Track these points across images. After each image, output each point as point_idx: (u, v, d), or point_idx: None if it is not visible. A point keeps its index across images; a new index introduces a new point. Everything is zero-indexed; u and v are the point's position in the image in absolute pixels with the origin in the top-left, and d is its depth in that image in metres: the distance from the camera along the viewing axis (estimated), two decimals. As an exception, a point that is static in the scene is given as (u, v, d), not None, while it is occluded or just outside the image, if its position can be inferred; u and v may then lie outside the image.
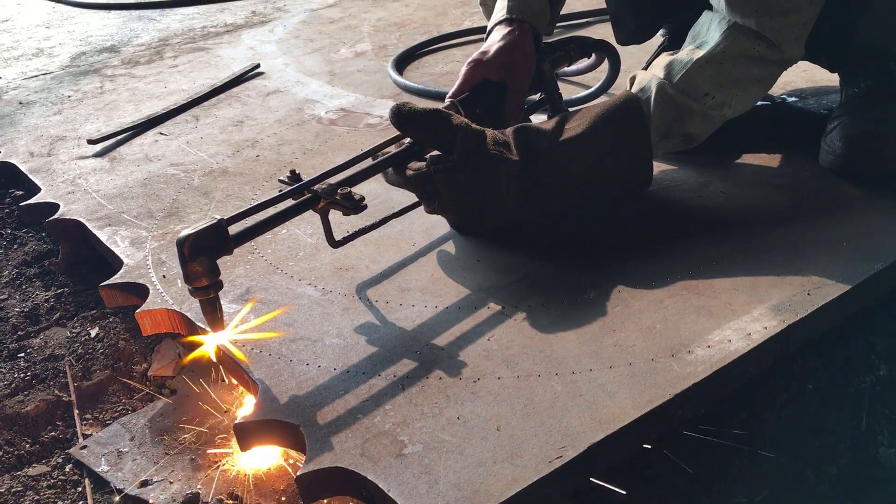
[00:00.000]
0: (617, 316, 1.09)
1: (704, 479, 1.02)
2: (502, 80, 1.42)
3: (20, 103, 2.35)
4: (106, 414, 1.29)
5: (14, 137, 2.10)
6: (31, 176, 1.84)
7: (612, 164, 1.30)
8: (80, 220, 1.57)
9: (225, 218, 1.05)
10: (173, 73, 2.49)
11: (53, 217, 1.61)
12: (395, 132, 1.28)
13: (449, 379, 1.00)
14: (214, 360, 1.10)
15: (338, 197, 1.14)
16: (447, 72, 2.23)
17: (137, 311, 1.24)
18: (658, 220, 1.33)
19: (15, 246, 1.76)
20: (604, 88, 1.72)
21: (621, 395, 0.94)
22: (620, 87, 1.64)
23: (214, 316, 1.05)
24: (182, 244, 1.01)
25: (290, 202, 1.15)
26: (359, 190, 1.17)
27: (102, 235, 1.50)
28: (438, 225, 1.35)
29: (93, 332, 1.44)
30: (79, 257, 1.64)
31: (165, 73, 2.49)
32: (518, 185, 1.26)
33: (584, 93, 1.77)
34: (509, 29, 1.45)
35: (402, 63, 2.32)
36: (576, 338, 1.05)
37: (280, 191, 1.17)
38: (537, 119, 1.48)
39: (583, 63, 1.71)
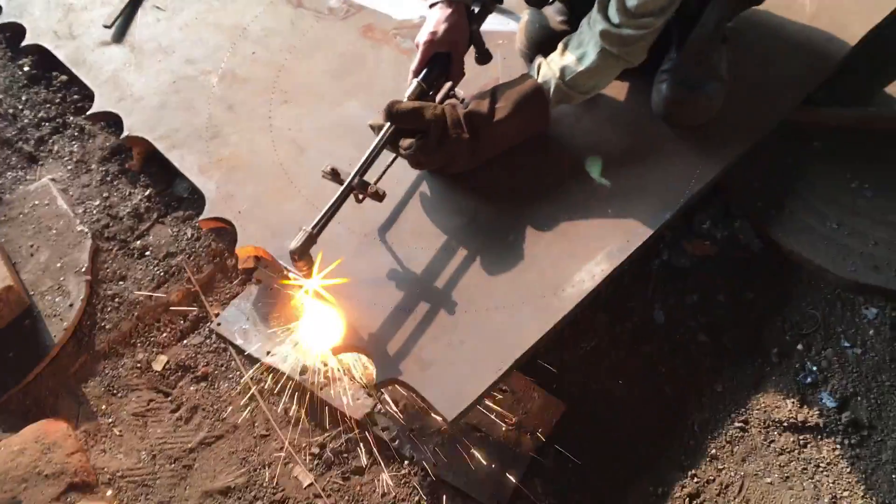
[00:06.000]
0: (526, 259, 1.94)
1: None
2: (448, 51, 2.05)
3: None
4: (222, 295, 2.14)
5: (25, 2, 2.51)
6: (74, 70, 2.37)
7: (525, 128, 2.03)
8: (149, 139, 2.21)
9: (313, 229, 1.79)
10: None
11: (125, 135, 2.22)
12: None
13: (441, 312, 1.87)
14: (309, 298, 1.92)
15: (369, 191, 1.87)
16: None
17: (237, 248, 2.02)
18: (547, 162, 2.08)
19: (87, 138, 2.37)
20: None
21: (529, 323, 1.85)
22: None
23: (307, 273, 1.84)
24: (293, 253, 1.77)
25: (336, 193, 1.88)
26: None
27: (174, 159, 2.16)
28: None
29: (188, 232, 2.21)
30: (148, 156, 2.30)
31: None
32: (468, 151, 1.99)
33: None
34: (450, 11, 2.01)
35: None
36: (506, 278, 1.92)
37: (329, 178, 1.85)
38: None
39: None
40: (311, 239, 1.78)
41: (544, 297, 1.89)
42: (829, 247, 2.04)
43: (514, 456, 1.88)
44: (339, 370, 2.00)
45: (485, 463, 1.87)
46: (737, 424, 1.91)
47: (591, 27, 1.92)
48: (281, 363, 2.03)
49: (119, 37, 2.42)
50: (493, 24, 2.31)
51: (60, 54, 2.40)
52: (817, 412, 1.90)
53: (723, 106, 2.08)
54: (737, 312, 2.06)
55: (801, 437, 1.88)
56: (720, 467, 1.87)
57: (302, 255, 1.77)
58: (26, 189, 2.26)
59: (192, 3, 2.49)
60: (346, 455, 1.91)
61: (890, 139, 2.17)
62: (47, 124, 2.42)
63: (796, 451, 1.86)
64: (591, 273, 1.91)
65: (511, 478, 1.86)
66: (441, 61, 2.04)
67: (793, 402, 1.91)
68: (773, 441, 1.88)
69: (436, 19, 2.02)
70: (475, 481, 1.86)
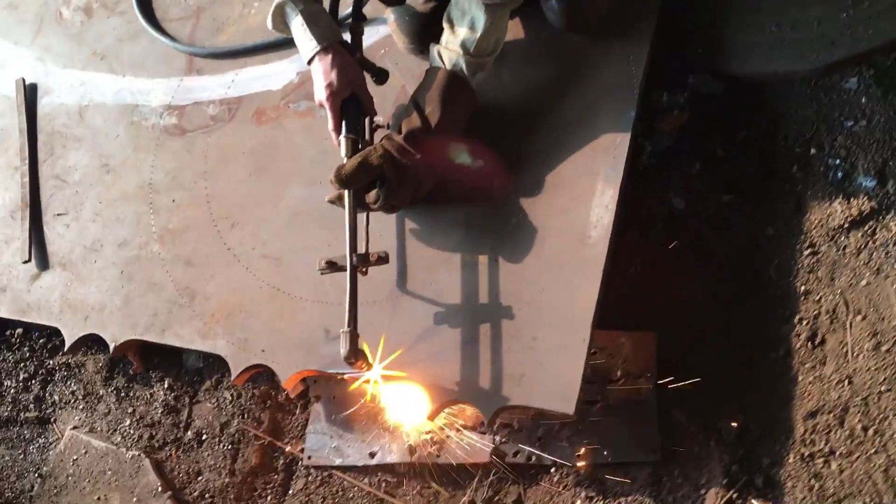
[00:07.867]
0: (539, 229, 1.90)
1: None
2: (351, 92, 1.98)
3: None
4: (294, 431, 2.08)
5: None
6: (24, 318, 2.26)
7: (461, 114, 1.97)
8: (137, 338, 2.12)
9: (349, 327, 1.73)
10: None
11: (112, 347, 2.13)
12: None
13: (501, 323, 1.83)
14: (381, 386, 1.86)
15: (372, 262, 1.82)
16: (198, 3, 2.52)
17: (284, 381, 1.95)
18: (498, 131, 2.00)
19: (79, 371, 2.27)
20: None
21: (580, 283, 1.81)
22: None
23: (367, 367, 1.80)
24: (348, 358, 1.72)
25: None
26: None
27: (171, 341, 2.09)
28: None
29: (227, 395, 2.13)
30: (145, 351, 2.21)
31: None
32: (427, 168, 1.93)
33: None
34: (331, 56, 1.94)
35: (147, 8, 2.54)
36: (533, 256, 1.87)
37: (328, 271, 1.82)
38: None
39: None
40: (355, 337, 1.73)
41: (577, 252, 1.86)
42: (782, 49, 2.02)
43: (641, 404, 1.86)
44: (444, 429, 1.96)
45: (621, 427, 1.85)
46: (806, 253, 1.91)
47: (465, -8, 1.87)
48: (388, 456, 1.98)
49: (43, 263, 2.32)
50: (367, 39, 2.23)
51: (1, 311, 2.28)
52: (865, 198, 1.90)
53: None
54: (740, 156, 2.04)
55: (866, 228, 1.88)
56: (817, 298, 1.87)
57: (356, 356, 1.73)
58: (57, 451, 2.17)
59: (87, 190, 2.37)
60: (497, 498, 1.89)
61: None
62: (34, 381, 2.32)
63: (870, 243, 1.87)
64: (602, 205, 1.88)
65: (651, 425, 1.84)
66: (352, 105, 1.98)
67: (840, 203, 1.92)
68: (845, 247, 1.88)
69: (323, 71, 1.95)
70: (622, 448, 1.84)
